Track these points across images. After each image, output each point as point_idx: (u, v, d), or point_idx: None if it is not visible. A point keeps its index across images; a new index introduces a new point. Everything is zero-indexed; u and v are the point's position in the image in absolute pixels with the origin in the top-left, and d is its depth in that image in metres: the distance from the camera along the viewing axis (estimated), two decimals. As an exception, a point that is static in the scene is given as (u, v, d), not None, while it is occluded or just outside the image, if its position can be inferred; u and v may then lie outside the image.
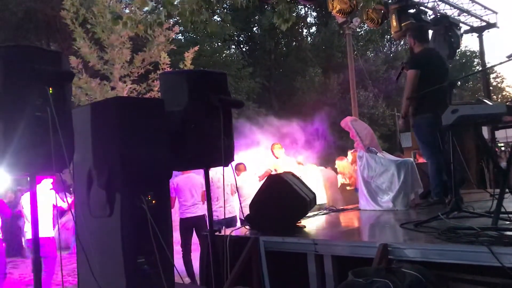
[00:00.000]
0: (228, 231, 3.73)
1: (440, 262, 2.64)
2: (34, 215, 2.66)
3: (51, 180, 5.62)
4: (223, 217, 6.38)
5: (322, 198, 8.55)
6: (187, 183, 6.97)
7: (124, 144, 2.84)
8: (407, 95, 4.75)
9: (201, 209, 6.80)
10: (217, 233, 3.68)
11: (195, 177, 7.06)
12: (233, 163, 7.65)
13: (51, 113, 2.47)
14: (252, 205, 3.94)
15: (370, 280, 2.34)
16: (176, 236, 7.06)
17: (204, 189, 6.93)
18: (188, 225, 6.87)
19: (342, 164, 9.04)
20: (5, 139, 2.39)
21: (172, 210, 7.03)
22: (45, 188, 5.85)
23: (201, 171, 6.87)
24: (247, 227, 3.92)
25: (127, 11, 11.72)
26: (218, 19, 19.64)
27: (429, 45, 5.13)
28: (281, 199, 3.78)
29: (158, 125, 3.04)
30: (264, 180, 4.09)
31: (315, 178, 8.69)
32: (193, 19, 5.02)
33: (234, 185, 7.21)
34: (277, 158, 8.52)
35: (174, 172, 6.99)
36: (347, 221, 4.61)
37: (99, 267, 2.78)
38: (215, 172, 6.78)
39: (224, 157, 3.38)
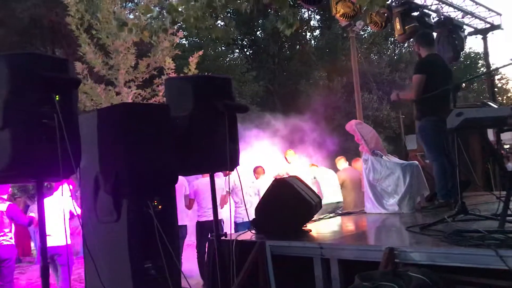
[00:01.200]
0: (234, 236, 3.74)
1: (446, 265, 2.63)
2: (41, 221, 2.68)
3: (70, 187, 5.60)
4: (247, 220, 6.43)
5: (338, 196, 8.62)
6: (207, 186, 6.99)
7: (130, 150, 2.87)
8: (412, 98, 4.81)
9: (219, 213, 6.83)
10: (223, 238, 3.68)
11: (216, 180, 7.11)
12: (252, 167, 7.76)
13: (58, 119, 2.49)
14: (257, 209, 3.95)
15: (376, 284, 2.34)
16: (193, 239, 7.12)
17: (224, 193, 7.03)
18: (205, 228, 6.88)
19: (357, 165, 9.07)
20: (12, 146, 2.41)
21: (186, 213, 7.11)
22: (63, 195, 5.85)
23: (221, 174, 7.03)
24: (253, 231, 3.92)
25: (131, 16, 11.77)
26: (222, 23, 19.70)
27: (434, 50, 5.18)
28: (287, 203, 3.79)
29: (164, 130, 3.06)
30: (269, 185, 4.10)
31: (330, 179, 8.74)
32: (198, 25, 5.04)
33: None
34: (289, 163, 8.57)
35: (195, 175, 7.05)
36: (353, 224, 4.61)
37: (106, 272, 2.79)
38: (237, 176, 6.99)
39: (230, 161, 3.40)
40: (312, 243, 3.38)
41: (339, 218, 5.03)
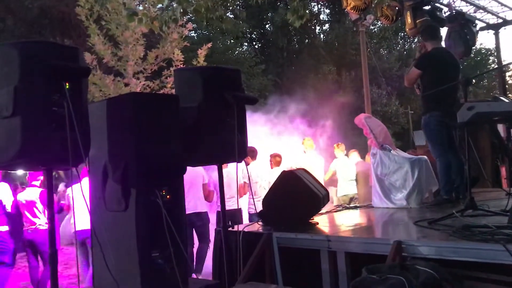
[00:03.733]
0: (241, 227, 3.74)
1: (454, 260, 2.62)
2: (50, 208, 2.70)
3: None
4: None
5: (353, 188, 8.71)
6: (227, 176, 7.08)
7: (139, 140, 2.86)
8: (405, 81, 5.16)
9: (237, 203, 6.90)
10: (230, 229, 3.69)
11: (234, 171, 7.22)
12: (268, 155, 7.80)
13: (68, 108, 2.49)
14: (265, 201, 3.95)
15: (384, 276, 2.33)
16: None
17: (241, 182, 7.13)
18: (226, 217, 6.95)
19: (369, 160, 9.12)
20: (22, 133, 2.42)
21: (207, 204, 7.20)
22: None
23: (240, 165, 7.09)
24: (260, 223, 3.93)
25: (141, 8, 11.77)
26: (231, 16, 19.66)
27: (441, 43, 5.12)
28: (294, 195, 3.79)
29: (173, 120, 3.06)
30: (277, 177, 4.09)
31: (348, 170, 8.81)
32: (209, 16, 5.03)
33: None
34: (304, 153, 8.75)
35: (213, 167, 7.15)
36: (360, 218, 4.61)
37: (114, 260, 2.80)
38: (253, 168, 7.29)
39: (238, 153, 3.39)
40: (320, 236, 3.38)
41: (346, 211, 5.02)
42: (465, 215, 3.31)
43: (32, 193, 6.33)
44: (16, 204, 6.34)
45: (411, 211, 4.43)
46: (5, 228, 5.87)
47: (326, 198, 4.30)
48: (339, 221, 4.39)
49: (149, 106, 2.97)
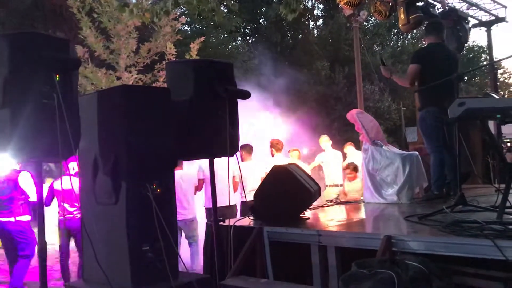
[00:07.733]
0: (232, 221, 3.74)
1: (444, 254, 2.64)
2: (40, 199, 2.68)
3: None
4: None
5: None
6: (248, 169, 7.13)
7: (130, 132, 2.85)
8: (406, 85, 5.03)
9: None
10: (221, 223, 3.68)
11: (256, 164, 7.38)
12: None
13: (57, 100, 2.47)
14: (256, 196, 3.94)
15: (373, 271, 2.34)
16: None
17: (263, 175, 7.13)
18: (249, 207, 6.98)
19: None
20: (12, 125, 2.40)
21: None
22: None
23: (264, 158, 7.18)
24: (251, 217, 3.93)
25: (133, 1, 11.69)
26: (225, 10, 19.56)
27: (440, 41, 5.10)
28: (286, 190, 3.79)
29: (164, 114, 3.04)
30: (269, 171, 4.09)
31: None
32: (201, 8, 5.00)
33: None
34: (324, 150, 8.93)
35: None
36: (351, 213, 4.61)
37: (104, 254, 2.79)
38: (277, 161, 7.21)
39: (230, 147, 3.39)
40: (310, 230, 3.38)
41: (337, 206, 5.03)
42: (455, 211, 3.33)
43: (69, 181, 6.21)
44: (52, 193, 6.24)
45: (401, 207, 4.45)
46: (27, 218, 5.82)
47: (317, 193, 4.30)
48: (330, 216, 4.40)
49: (139, 99, 2.96)
